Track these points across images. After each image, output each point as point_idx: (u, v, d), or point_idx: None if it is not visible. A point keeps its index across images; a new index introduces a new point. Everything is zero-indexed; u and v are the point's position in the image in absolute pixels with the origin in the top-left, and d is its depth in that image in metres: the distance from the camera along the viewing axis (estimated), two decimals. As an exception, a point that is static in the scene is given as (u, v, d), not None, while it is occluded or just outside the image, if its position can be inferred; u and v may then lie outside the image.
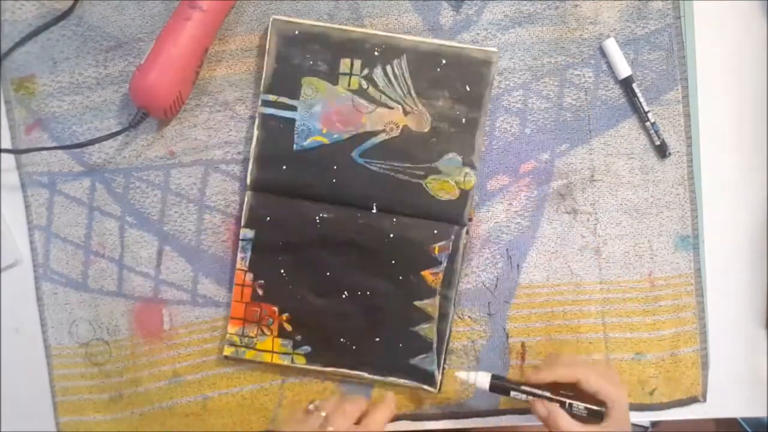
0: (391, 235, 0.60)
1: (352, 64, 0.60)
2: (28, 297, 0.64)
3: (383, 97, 0.60)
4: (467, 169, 0.60)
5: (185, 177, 0.63)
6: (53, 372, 0.64)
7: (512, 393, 0.56)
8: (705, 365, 0.63)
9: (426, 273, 0.60)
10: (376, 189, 0.60)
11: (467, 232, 0.61)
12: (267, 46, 0.60)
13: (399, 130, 0.60)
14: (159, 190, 0.63)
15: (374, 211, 0.60)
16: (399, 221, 0.60)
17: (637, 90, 0.61)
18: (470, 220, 0.61)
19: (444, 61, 0.59)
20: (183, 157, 0.63)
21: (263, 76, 0.60)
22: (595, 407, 0.55)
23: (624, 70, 0.61)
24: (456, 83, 0.60)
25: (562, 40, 0.62)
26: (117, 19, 0.63)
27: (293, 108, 0.61)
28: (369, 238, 0.60)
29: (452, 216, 0.60)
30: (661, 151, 0.62)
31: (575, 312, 0.62)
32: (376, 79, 0.60)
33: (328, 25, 0.60)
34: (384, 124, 0.60)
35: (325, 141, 0.61)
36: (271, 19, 0.60)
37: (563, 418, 0.54)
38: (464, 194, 0.60)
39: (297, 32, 0.60)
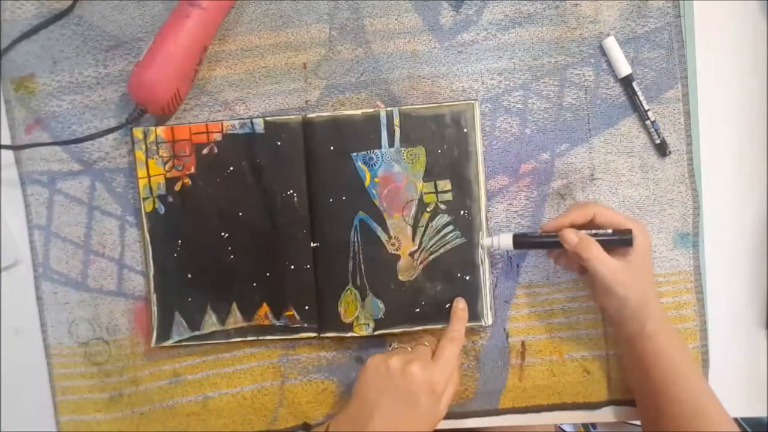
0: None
1: None
2: (28, 297, 0.64)
3: None
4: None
5: (185, 176, 0.63)
6: (53, 371, 0.64)
7: (539, 241, 0.57)
8: (705, 362, 0.62)
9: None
10: None
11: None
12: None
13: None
14: (159, 189, 0.63)
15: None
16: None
17: (637, 88, 0.61)
18: None
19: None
20: (183, 157, 0.63)
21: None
22: (621, 233, 0.54)
23: (624, 68, 0.61)
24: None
25: (562, 40, 0.62)
26: (117, 19, 0.63)
27: None
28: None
29: None
30: (661, 149, 0.62)
31: (575, 309, 0.62)
32: None
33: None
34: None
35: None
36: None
37: (595, 244, 0.54)
38: None
39: None
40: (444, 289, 0.60)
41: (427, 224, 0.60)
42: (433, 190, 0.60)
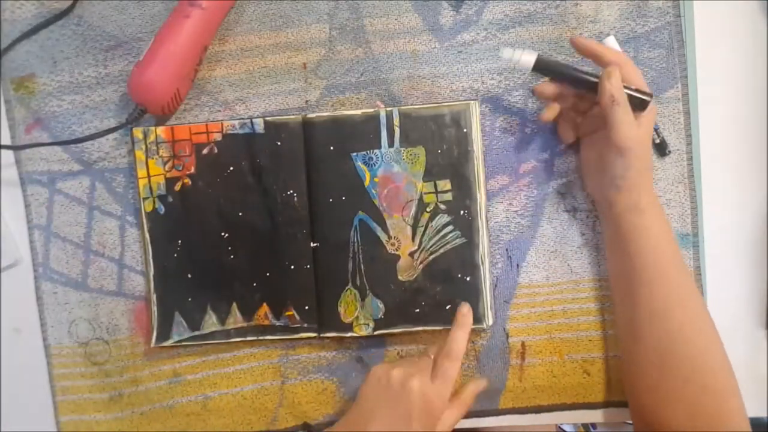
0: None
1: None
2: (28, 297, 0.65)
3: None
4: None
5: (185, 176, 0.63)
6: (53, 371, 0.64)
7: (563, 71, 0.56)
8: (705, 363, 0.62)
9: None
10: None
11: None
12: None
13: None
14: (159, 189, 0.64)
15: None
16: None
17: (637, 88, 0.61)
18: None
19: None
20: (183, 157, 0.63)
21: None
22: (642, 93, 0.54)
23: (624, 68, 0.61)
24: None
25: (562, 39, 0.62)
26: (117, 19, 0.63)
27: None
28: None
29: None
30: (661, 149, 0.61)
31: (575, 310, 0.62)
32: None
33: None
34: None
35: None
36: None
37: (618, 76, 0.53)
38: None
39: None
40: (444, 290, 0.60)
41: (427, 224, 0.60)
42: (433, 190, 0.60)
